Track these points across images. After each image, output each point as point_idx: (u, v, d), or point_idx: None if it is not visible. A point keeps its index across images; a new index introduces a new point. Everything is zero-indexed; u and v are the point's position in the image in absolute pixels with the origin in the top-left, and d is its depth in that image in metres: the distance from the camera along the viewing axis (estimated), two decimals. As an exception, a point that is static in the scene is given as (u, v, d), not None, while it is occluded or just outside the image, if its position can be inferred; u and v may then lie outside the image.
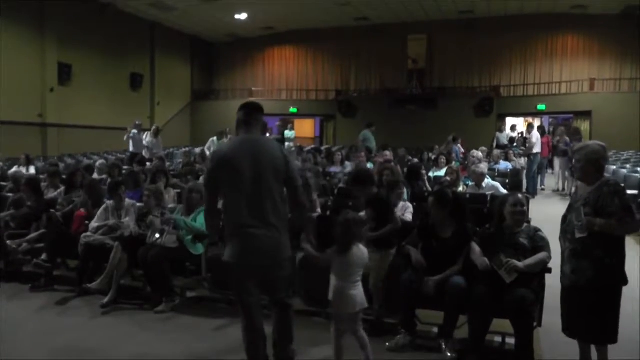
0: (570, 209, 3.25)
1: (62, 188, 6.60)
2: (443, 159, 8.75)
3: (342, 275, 3.25)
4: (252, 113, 3.18)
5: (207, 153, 11.24)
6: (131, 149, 12.51)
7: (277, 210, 3.04)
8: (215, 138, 13.29)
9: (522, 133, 16.32)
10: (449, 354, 3.62)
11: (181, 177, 7.66)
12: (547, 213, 7.82)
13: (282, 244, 3.07)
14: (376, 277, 4.01)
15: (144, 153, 11.93)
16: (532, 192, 11.35)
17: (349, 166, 9.41)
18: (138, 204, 5.47)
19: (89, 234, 5.08)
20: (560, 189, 12.58)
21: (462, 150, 12.60)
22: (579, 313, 3.12)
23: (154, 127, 13.20)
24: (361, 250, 3.31)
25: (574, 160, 3.35)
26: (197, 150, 16.59)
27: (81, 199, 5.78)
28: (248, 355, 3.08)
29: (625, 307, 3.08)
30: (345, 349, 3.34)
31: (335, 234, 3.31)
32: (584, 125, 18.43)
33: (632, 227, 3.04)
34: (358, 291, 3.27)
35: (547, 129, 16.13)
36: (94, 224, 5.19)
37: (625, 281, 3.10)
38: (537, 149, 11.90)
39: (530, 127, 12.86)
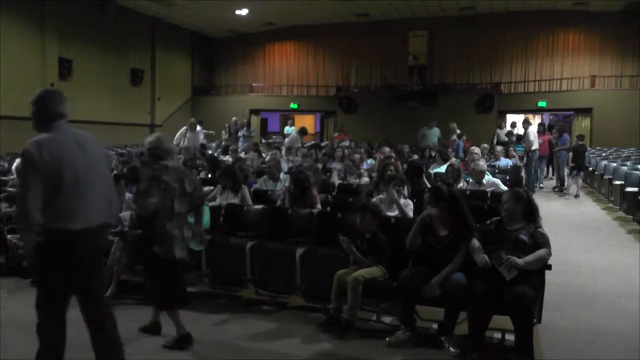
0: None
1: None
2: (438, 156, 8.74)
3: None
4: None
5: (293, 147, 11.05)
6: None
7: None
8: (297, 133, 12.75)
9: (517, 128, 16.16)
10: (452, 349, 3.62)
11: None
12: (547, 210, 7.82)
13: None
14: (355, 280, 3.93)
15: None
16: (531, 189, 11.34)
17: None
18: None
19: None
20: (558, 185, 12.56)
21: (465, 144, 12.56)
22: None
23: (193, 120, 13.01)
24: None
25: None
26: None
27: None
28: None
29: (625, 305, 3.09)
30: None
31: None
32: (585, 123, 18.43)
33: None
34: None
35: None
36: None
37: None
38: (534, 146, 11.94)
39: (525, 123, 12.79)
